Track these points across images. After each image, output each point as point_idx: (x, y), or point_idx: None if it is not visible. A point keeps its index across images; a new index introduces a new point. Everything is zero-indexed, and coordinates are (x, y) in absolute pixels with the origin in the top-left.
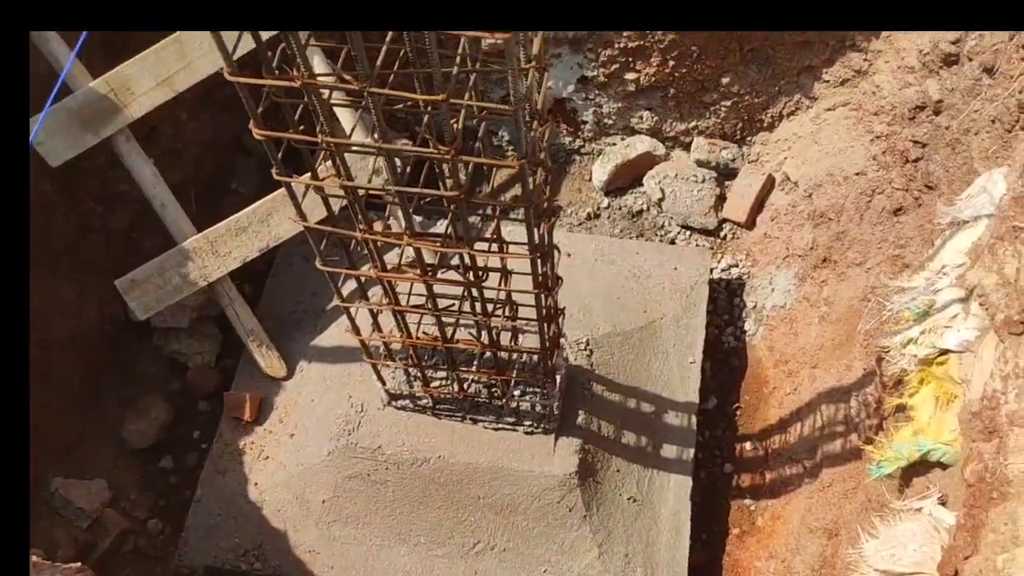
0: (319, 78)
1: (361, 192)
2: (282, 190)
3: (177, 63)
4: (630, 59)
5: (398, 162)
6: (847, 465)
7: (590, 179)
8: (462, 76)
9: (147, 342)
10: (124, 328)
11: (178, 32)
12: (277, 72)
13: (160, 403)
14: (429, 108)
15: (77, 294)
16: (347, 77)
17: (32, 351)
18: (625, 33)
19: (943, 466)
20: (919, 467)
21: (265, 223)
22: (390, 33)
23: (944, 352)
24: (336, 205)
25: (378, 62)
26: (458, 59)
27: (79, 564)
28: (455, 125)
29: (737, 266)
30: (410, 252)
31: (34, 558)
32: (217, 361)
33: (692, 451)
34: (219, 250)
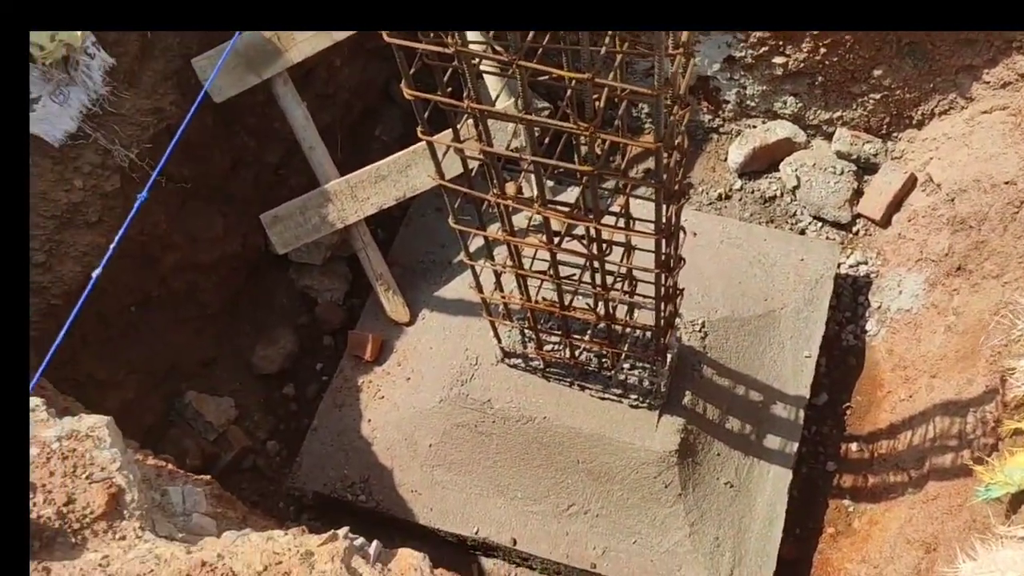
0: (471, 45)
1: (498, 157)
2: (423, 144)
3: None
4: (780, 43)
5: (537, 132)
6: (955, 481)
7: (725, 159)
8: (609, 55)
9: (282, 274)
10: (263, 259)
11: None
12: (432, 35)
13: (289, 333)
14: (573, 83)
15: (224, 223)
16: (497, 48)
17: (179, 274)
18: None
19: None
20: None
21: (404, 174)
22: None
23: None
24: (472, 165)
25: (529, 35)
26: (607, 39)
27: (208, 476)
28: (597, 103)
29: (866, 264)
30: (538, 218)
31: (169, 465)
32: (345, 299)
33: (796, 445)
34: (358, 195)
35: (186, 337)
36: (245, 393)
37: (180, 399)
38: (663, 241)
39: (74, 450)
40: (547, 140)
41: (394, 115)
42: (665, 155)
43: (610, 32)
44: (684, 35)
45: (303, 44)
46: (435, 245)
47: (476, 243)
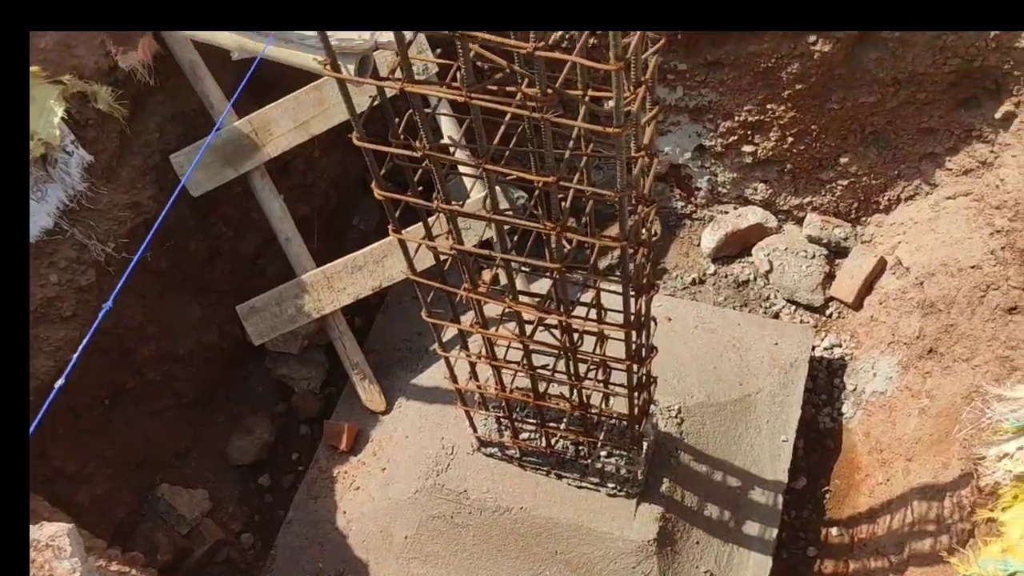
0: (445, 144)
1: (469, 253)
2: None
3: (315, 109)
4: (749, 132)
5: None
6: (934, 567)
7: (699, 244)
8: (574, 157)
9: (259, 364)
10: (239, 348)
11: (319, 80)
12: (403, 137)
13: (265, 423)
14: (540, 184)
15: (201, 314)
16: (467, 152)
17: (154, 365)
18: (746, 106)
19: None
20: None
21: (380, 264)
22: (511, 111)
23: None
24: (445, 257)
25: (496, 138)
26: (571, 142)
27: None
28: (563, 203)
29: (840, 346)
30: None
31: (133, 570)
32: (322, 388)
33: (775, 531)
34: (334, 285)
35: (160, 428)
36: (220, 484)
37: (153, 492)
38: (632, 333)
39: (33, 560)
40: (519, 234)
41: (371, 204)
42: (631, 250)
43: (575, 135)
44: (647, 137)
45: (280, 139)
46: (412, 332)
47: (450, 332)
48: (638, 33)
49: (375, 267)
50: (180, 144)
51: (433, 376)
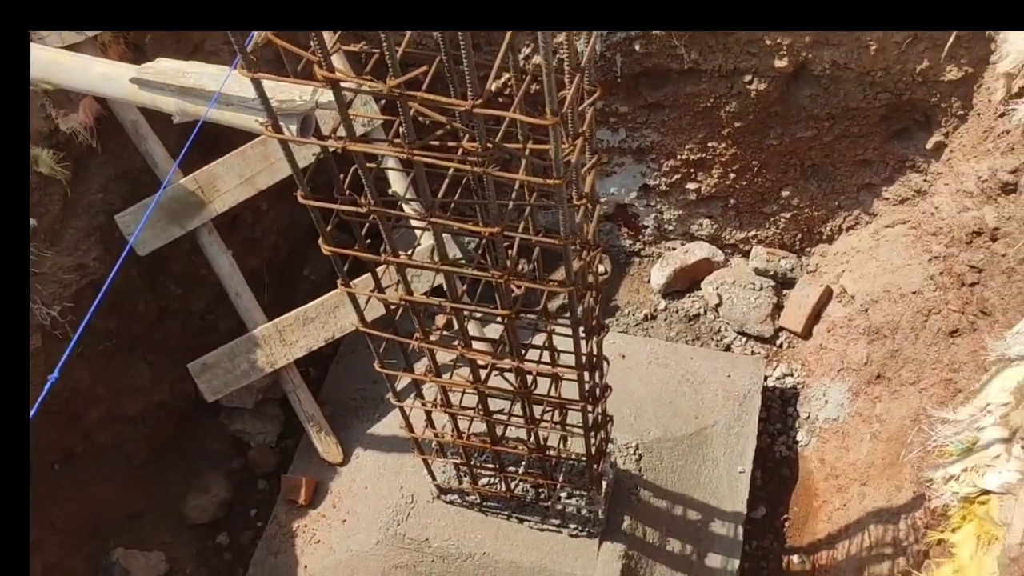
0: (390, 199)
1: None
2: None
3: (260, 164)
4: (692, 170)
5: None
6: None
7: (648, 281)
8: (518, 206)
9: (213, 420)
10: (192, 406)
11: (263, 136)
12: (348, 193)
13: (221, 480)
14: (486, 235)
15: (152, 373)
16: (412, 205)
17: (103, 427)
18: (688, 145)
19: None
20: None
21: (332, 315)
22: (453, 167)
23: (986, 492)
24: (396, 306)
25: (440, 192)
26: (514, 192)
27: None
28: (509, 252)
29: (792, 375)
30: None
31: None
32: (278, 441)
33: (737, 561)
34: (287, 339)
35: (112, 491)
36: (176, 545)
37: (107, 557)
38: (585, 374)
39: None
40: (469, 280)
41: (321, 254)
42: (578, 294)
43: (517, 185)
44: (587, 185)
45: (226, 195)
46: (367, 382)
47: (404, 381)
48: (573, 86)
49: (327, 318)
50: (125, 204)
51: (390, 425)
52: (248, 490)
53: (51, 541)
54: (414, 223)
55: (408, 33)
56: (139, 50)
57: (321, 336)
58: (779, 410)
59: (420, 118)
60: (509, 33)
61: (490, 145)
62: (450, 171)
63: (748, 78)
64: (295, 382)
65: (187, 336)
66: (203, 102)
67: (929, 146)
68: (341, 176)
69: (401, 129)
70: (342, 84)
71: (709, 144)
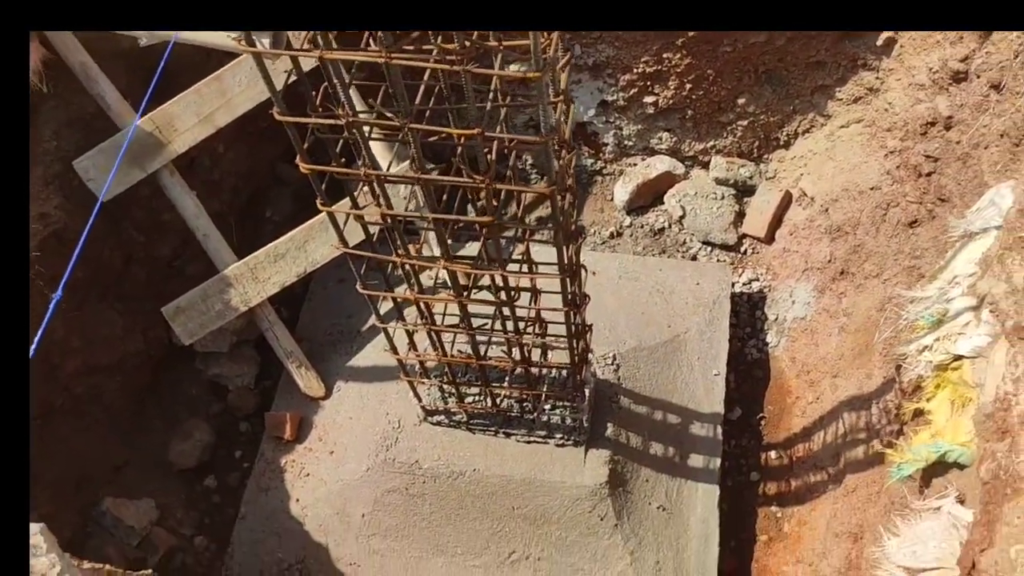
0: (364, 113)
1: (399, 219)
2: (318, 218)
3: (217, 100)
4: (648, 83)
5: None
6: (870, 470)
7: (612, 199)
8: (493, 110)
9: (189, 366)
10: (167, 353)
11: (219, 71)
12: (320, 110)
13: (203, 425)
14: (463, 140)
15: (123, 322)
16: (388, 114)
17: (80, 378)
18: (643, 58)
19: (960, 467)
20: (937, 468)
21: (302, 249)
22: (427, 72)
23: (958, 358)
24: (373, 230)
25: (417, 99)
26: (491, 95)
27: (149, 571)
28: (489, 156)
29: (758, 280)
30: (443, 275)
31: (107, 566)
32: (256, 383)
33: (719, 460)
34: (259, 276)
35: (96, 443)
36: (165, 492)
37: (97, 507)
38: (567, 280)
39: None
40: (445, 197)
41: (283, 195)
42: (559, 198)
43: (492, 88)
44: (562, 83)
45: (185, 134)
46: (341, 316)
47: (385, 306)
48: None
49: (298, 253)
50: (80, 151)
51: (368, 356)
52: (231, 433)
53: (40, 496)
54: (376, 147)
55: None
56: None
57: (293, 271)
58: (748, 314)
59: None
60: None
61: (468, 43)
62: (425, 76)
63: None
64: (271, 319)
65: (154, 283)
66: None
67: (880, 42)
68: (313, 93)
69: (379, 35)
70: None
71: (664, 55)
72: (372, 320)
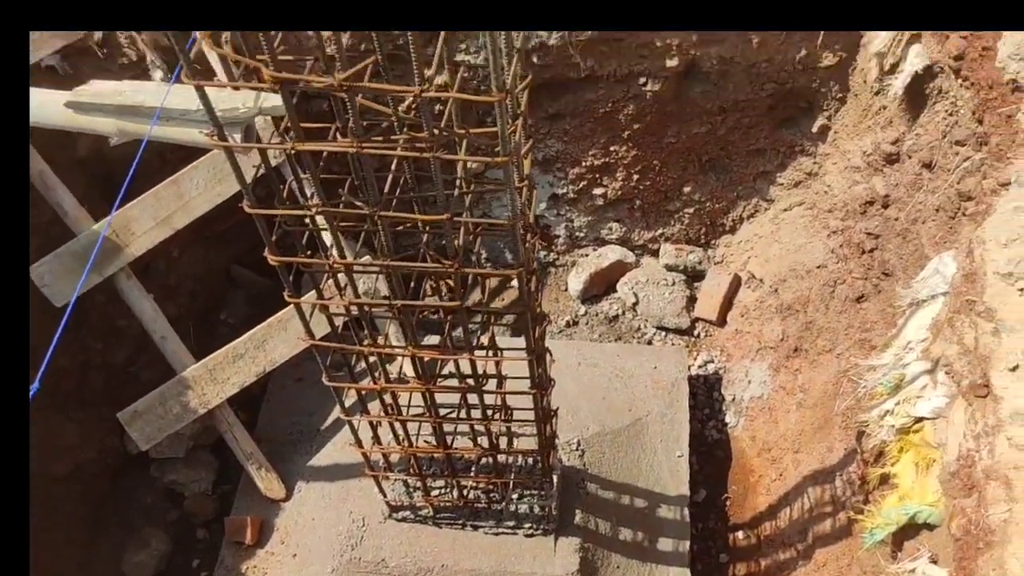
0: (336, 200)
1: (366, 309)
2: (277, 316)
3: (175, 203)
4: (597, 175)
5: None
6: (839, 543)
7: (566, 289)
8: (459, 197)
9: (144, 473)
10: (122, 461)
11: (176, 174)
12: (288, 202)
13: (159, 533)
14: (428, 227)
15: (79, 431)
16: (357, 203)
17: (35, 489)
18: (591, 151)
19: (930, 527)
20: (908, 531)
21: (261, 348)
22: (394, 162)
23: (919, 420)
24: (337, 322)
25: (385, 188)
26: (459, 182)
27: None
28: (456, 241)
29: (713, 361)
30: (407, 367)
31: None
32: (214, 488)
33: (687, 543)
34: (218, 377)
35: (48, 556)
36: None
37: None
38: (534, 362)
39: None
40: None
41: (238, 298)
42: (526, 280)
43: (458, 175)
44: (526, 168)
45: (142, 238)
46: (301, 415)
47: (348, 399)
48: (512, 66)
49: (257, 352)
50: (34, 257)
51: (330, 454)
52: (188, 541)
53: None
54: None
55: (347, 33)
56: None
57: (252, 371)
58: (705, 396)
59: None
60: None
61: (436, 131)
62: (392, 165)
63: (643, 80)
64: (230, 421)
65: (110, 390)
66: (143, 120)
67: (815, 129)
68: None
69: (350, 126)
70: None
71: (611, 148)
72: (333, 416)
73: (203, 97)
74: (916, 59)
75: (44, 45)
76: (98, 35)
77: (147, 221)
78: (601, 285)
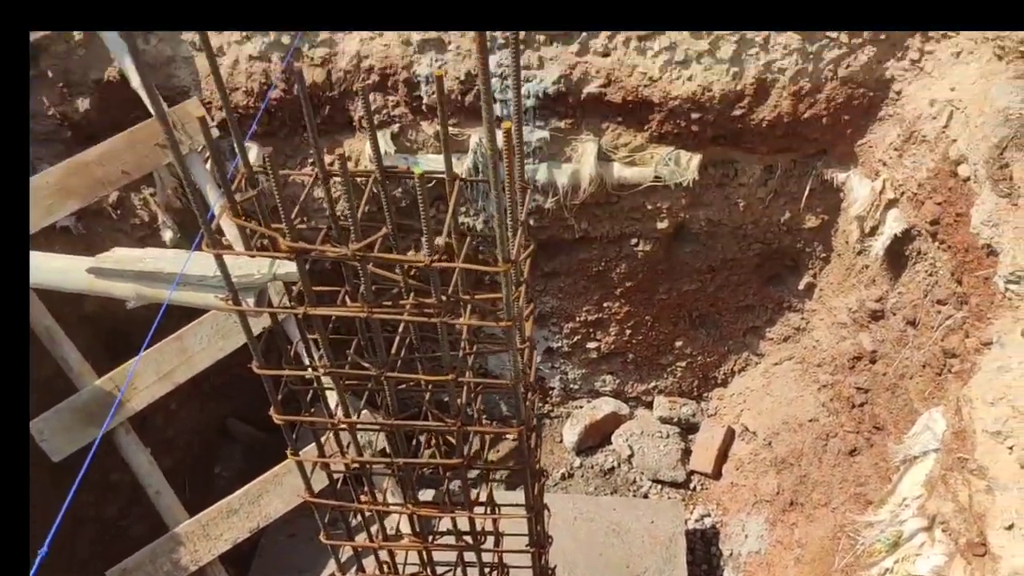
0: (342, 361)
1: (368, 465)
2: (273, 471)
3: (178, 358)
4: (591, 330)
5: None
6: None
7: (561, 441)
8: (462, 357)
9: None
10: None
11: (181, 330)
12: (293, 362)
13: None
14: (431, 386)
15: None
16: (364, 364)
17: None
18: (585, 307)
19: None
20: None
21: (256, 504)
22: (401, 327)
23: None
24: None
25: (392, 349)
26: (463, 343)
27: None
28: (459, 400)
29: (709, 515)
30: (404, 525)
31: None
32: None
33: None
34: (211, 533)
35: None
36: None
37: None
38: (533, 520)
39: None
40: (412, 444)
41: (233, 452)
42: (526, 437)
43: (462, 338)
44: (528, 331)
45: (144, 392)
46: (292, 572)
47: (344, 555)
48: (516, 239)
49: (251, 507)
50: (36, 412)
51: None
52: None
53: None
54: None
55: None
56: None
57: (246, 526)
58: (703, 551)
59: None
60: (453, 201)
61: (443, 297)
62: (400, 328)
63: (634, 241)
64: None
65: (101, 545)
66: (162, 285)
67: (801, 287)
68: (288, 347)
69: (360, 292)
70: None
71: (605, 304)
72: (326, 573)
73: (222, 265)
74: (895, 223)
75: (60, 208)
76: (112, 197)
77: (150, 375)
78: (596, 437)
